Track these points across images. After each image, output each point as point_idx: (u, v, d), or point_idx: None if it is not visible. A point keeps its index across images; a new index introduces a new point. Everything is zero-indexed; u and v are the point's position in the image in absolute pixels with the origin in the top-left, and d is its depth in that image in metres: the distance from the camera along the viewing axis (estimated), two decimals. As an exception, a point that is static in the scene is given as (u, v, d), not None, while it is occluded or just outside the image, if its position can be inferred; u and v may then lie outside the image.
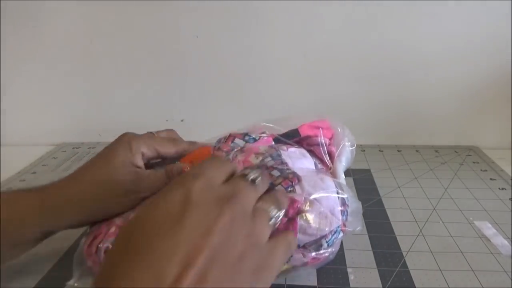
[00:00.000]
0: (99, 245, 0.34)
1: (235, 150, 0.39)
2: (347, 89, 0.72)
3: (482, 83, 0.68)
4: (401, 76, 0.69)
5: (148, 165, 0.39)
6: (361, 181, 0.60)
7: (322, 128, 0.43)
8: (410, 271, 0.41)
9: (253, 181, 0.27)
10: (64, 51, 0.73)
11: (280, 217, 0.28)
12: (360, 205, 0.39)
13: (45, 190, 0.35)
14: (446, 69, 0.68)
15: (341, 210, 0.36)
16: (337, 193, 0.36)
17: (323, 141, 0.42)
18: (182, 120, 0.77)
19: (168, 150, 0.40)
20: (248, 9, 0.67)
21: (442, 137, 0.73)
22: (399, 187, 0.58)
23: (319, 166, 0.41)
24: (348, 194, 0.37)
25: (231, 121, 0.77)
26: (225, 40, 0.70)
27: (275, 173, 0.34)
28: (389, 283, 0.39)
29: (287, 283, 0.39)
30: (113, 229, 0.35)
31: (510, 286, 0.38)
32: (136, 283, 0.20)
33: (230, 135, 0.41)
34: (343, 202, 0.37)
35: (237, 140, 0.40)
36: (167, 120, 0.77)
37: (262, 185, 0.28)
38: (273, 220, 0.27)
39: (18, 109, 0.77)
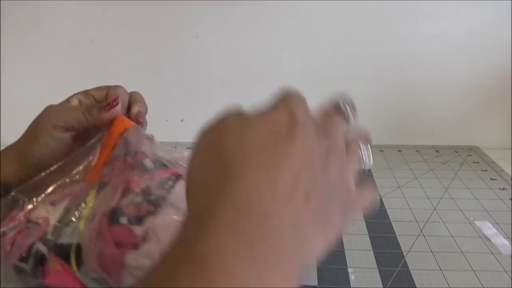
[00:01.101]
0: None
1: (134, 170, 0.36)
2: (347, 89, 0.71)
3: (482, 83, 0.68)
4: (401, 76, 0.69)
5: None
6: (361, 181, 0.60)
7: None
8: (411, 271, 0.41)
9: (345, 116, 0.28)
10: (64, 51, 0.73)
11: (367, 159, 0.28)
12: None
13: None
14: (447, 69, 0.68)
15: None
16: None
17: None
18: (182, 120, 0.77)
19: (80, 120, 0.39)
20: (248, 9, 0.67)
21: (442, 137, 0.73)
22: (399, 187, 0.58)
23: None
24: None
25: (231, 121, 0.77)
26: (225, 40, 0.70)
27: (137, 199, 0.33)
28: (389, 283, 0.39)
29: (287, 283, 0.39)
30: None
31: (510, 286, 0.38)
32: (249, 183, 0.19)
33: (142, 152, 0.37)
34: None
35: (147, 161, 0.36)
36: (167, 120, 0.77)
37: (352, 117, 0.29)
38: (361, 163, 0.27)
39: (18, 109, 0.77)
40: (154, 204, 0.33)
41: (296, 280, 0.19)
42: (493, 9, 0.63)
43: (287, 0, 0.66)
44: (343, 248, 0.44)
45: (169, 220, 0.32)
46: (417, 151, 0.71)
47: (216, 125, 0.24)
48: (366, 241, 0.46)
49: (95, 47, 0.72)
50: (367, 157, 0.27)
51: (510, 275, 0.40)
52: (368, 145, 0.28)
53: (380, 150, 0.71)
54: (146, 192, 0.34)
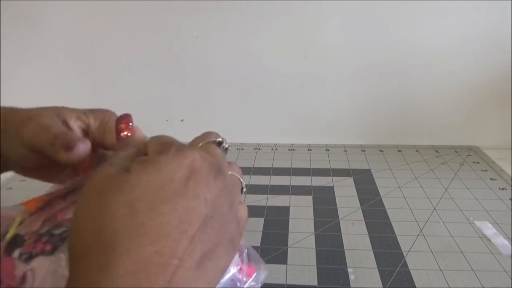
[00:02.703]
0: None
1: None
2: (347, 89, 0.72)
3: (482, 83, 0.68)
4: (401, 76, 0.69)
5: None
6: (361, 181, 0.60)
7: None
8: (411, 271, 0.41)
9: (226, 149, 0.28)
10: (64, 51, 0.73)
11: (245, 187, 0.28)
12: None
13: None
14: (446, 69, 0.68)
15: None
16: None
17: None
18: (182, 120, 0.77)
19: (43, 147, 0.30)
20: (248, 9, 0.67)
21: (442, 137, 0.73)
22: (399, 187, 0.58)
23: None
24: None
25: (231, 121, 0.77)
26: (225, 40, 0.70)
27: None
28: (389, 283, 0.39)
29: (287, 283, 0.39)
30: None
31: (510, 286, 0.38)
32: (140, 258, 0.19)
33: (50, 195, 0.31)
34: None
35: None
36: (167, 120, 0.77)
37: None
38: (243, 190, 0.27)
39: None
40: (54, 242, 0.28)
41: None
42: (493, 9, 0.63)
43: (287, 0, 0.66)
44: (343, 248, 0.44)
45: (55, 267, 0.27)
46: (417, 151, 0.71)
47: (96, 188, 0.21)
48: (366, 241, 0.46)
49: (95, 47, 0.72)
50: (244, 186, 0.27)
51: (510, 275, 0.40)
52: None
53: (380, 150, 0.71)
54: (58, 226, 0.28)
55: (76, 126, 0.32)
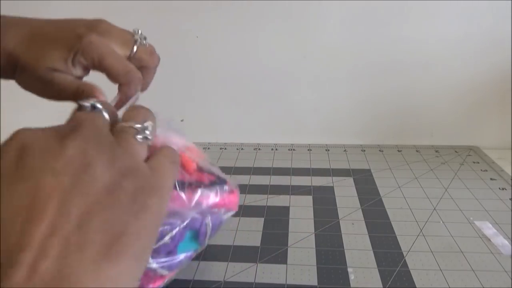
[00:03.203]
0: None
1: None
2: (347, 89, 0.72)
3: (482, 83, 0.68)
4: (401, 76, 0.69)
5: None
6: (361, 181, 0.60)
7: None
8: (411, 271, 0.41)
9: (94, 107, 0.22)
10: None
11: (150, 128, 0.23)
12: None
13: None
14: (446, 69, 0.68)
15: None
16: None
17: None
18: (182, 120, 0.77)
19: (117, 69, 0.33)
20: (248, 9, 0.67)
21: (442, 137, 0.73)
22: (399, 187, 0.58)
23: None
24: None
25: (231, 121, 0.77)
26: (225, 40, 0.70)
27: None
28: (389, 283, 0.39)
29: (287, 283, 0.39)
30: None
31: (510, 286, 0.38)
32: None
33: None
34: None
35: None
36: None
37: (106, 108, 0.23)
38: (140, 134, 0.22)
39: (18, 109, 0.77)
40: None
41: None
42: (493, 9, 0.63)
43: (287, 0, 0.66)
44: (343, 248, 0.44)
45: None
46: (417, 151, 0.71)
47: None
48: (366, 241, 0.46)
49: (95, 47, 0.72)
50: (148, 130, 0.23)
51: (510, 275, 0.40)
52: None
53: (380, 150, 0.71)
54: None
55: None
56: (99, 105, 0.22)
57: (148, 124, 0.23)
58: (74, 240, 0.16)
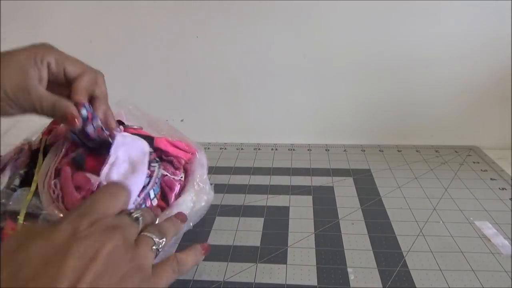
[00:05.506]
0: None
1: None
2: (347, 89, 0.72)
3: (482, 83, 0.68)
4: (401, 76, 0.69)
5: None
6: (361, 181, 0.60)
7: (181, 149, 0.48)
8: (411, 271, 0.41)
9: (137, 219, 0.30)
10: (63, 51, 0.73)
11: (163, 243, 0.31)
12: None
13: None
14: (446, 69, 0.68)
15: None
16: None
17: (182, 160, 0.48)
18: (182, 120, 0.77)
19: (75, 69, 0.40)
20: (248, 9, 0.67)
21: (442, 137, 0.73)
22: (399, 187, 0.58)
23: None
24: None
25: (231, 121, 0.77)
26: (225, 40, 0.70)
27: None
28: (389, 283, 0.39)
29: (287, 283, 0.39)
30: None
31: (510, 286, 0.38)
32: None
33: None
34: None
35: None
36: (167, 120, 0.77)
37: (144, 220, 0.31)
38: (155, 246, 0.30)
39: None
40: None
41: None
42: (493, 9, 0.63)
43: (287, 0, 0.66)
44: (343, 248, 0.44)
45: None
46: (417, 151, 0.71)
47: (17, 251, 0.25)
48: (365, 241, 0.46)
49: (95, 47, 0.72)
50: (161, 244, 0.31)
51: (510, 275, 0.40)
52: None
53: (380, 150, 0.71)
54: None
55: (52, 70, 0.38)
56: (141, 219, 0.30)
57: (163, 240, 0.31)
58: None
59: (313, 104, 0.73)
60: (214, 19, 0.69)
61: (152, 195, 0.40)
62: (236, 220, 0.50)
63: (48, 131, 0.47)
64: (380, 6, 0.65)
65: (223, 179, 0.61)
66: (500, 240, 0.45)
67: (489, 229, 0.47)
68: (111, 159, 0.38)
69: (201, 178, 0.47)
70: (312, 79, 0.72)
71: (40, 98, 0.36)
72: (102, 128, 0.39)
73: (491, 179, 0.60)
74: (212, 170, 0.64)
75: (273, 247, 0.45)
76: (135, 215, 0.30)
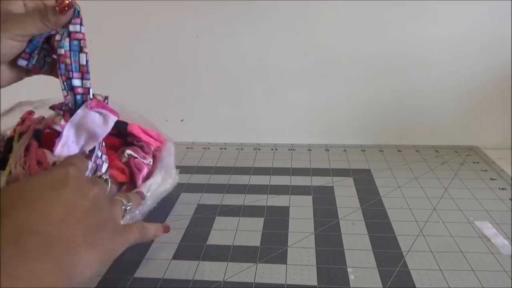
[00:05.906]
0: None
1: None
2: (347, 89, 0.72)
3: (482, 83, 0.68)
4: (401, 76, 0.69)
5: None
6: (361, 181, 0.60)
7: (152, 137, 0.53)
8: (410, 271, 0.41)
9: (106, 180, 0.37)
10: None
11: (129, 207, 0.38)
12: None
13: None
14: (446, 69, 0.68)
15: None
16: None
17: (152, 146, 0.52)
18: (182, 120, 0.77)
19: (40, 28, 0.40)
20: (248, 9, 0.67)
21: (442, 137, 0.73)
22: (399, 187, 0.58)
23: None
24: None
25: (231, 121, 0.77)
26: (225, 40, 0.70)
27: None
28: (389, 283, 0.39)
29: (287, 283, 0.39)
30: None
31: (510, 286, 0.38)
32: (24, 220, 0.26)
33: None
34: None
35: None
36: (167, 120, 0.77)
37: (112, 183, 0.40)
38: (124, 206, 0.37)
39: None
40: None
41: (64, 281, 0.26)
42: (493, 9, 0.63)
43: (287, 0, 0.66)
44: (343, 248, 0.44)
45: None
46: (417, 151, 0.71)
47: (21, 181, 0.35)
48: (365, 241, 0.46)
49: (95, 47, 0.72)
50: (127, 207, 0.38)
51: (510, 275, 0.40)
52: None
53: (380, 150, 0.71)
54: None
55: None
56: (110, 180, 0.38)
57: (129, 205, 0.39)
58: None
59: (313, 104, 0.73)
60: (214, 19, 0.69)
61: (99, 154, 0.42)
62: (236, 220, 0.50)
63: (22, 120, 0.51)
64: (380, 6, 0.65)
65: (223, 179, 0.61)
66: (500, 240, 0.45)
67: (489, 229, 0.47)
68: (63, 140, 0.40)
69: (168, 164, 0.51)
70: (312, 79, 0.72)
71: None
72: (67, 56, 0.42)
73: (491, 179, 0.60)
74: (212, 170, 0.64)
75: (273, 247, 0.45)
76: (104, 176, 0.37)
